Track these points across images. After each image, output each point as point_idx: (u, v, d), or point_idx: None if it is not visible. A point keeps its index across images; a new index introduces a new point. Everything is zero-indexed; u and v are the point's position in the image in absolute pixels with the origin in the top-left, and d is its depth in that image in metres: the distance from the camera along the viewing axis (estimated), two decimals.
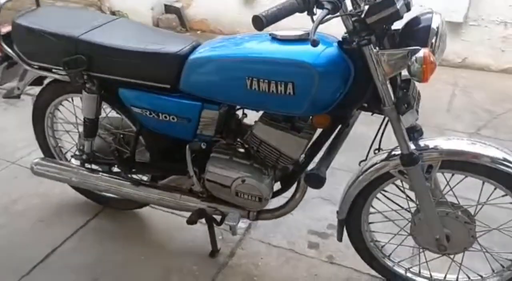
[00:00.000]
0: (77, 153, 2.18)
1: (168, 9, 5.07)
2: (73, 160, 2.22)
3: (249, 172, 1.79)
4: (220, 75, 1.64)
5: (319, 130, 1.74)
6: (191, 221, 1.92)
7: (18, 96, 2.20)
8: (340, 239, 1.87)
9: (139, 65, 1.77)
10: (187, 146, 1.86)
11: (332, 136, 1.73)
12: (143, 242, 2.23)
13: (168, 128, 1.82)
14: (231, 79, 1.62)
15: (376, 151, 1.73)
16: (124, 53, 1.78)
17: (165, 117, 1.78)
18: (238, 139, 1.85)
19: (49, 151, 2.36)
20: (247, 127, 1.82)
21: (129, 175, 2.09)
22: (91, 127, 2.04)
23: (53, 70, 1.96)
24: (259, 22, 1.28)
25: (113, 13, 5.04)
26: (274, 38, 1.58)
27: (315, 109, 1.59)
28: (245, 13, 4.65)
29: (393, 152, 1.65)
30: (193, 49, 1.75)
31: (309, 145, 1.75)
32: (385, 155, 1.68)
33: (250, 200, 1.82)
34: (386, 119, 1.62)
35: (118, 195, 2.16)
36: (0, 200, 2.49)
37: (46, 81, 2.15)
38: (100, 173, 2.13)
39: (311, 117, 1.69)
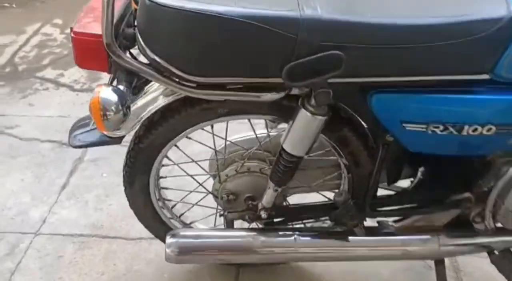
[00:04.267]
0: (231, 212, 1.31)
1: None
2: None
3: None
4: None
5: None
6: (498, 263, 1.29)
7: (119, 140, 1.21)
8: None
9: (441, 49, 1.01)
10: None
11: None
12: None
13: (466, 145, 1.13)
14: None
15: None
16: (413, 33, 1.00)
17: (474, 130, 1.09)
18: None
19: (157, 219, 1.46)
20: None
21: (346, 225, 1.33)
22: (292, 169, 1.21)
23: (244, 85, 1.07)
24: None
25: None
26: None
27: None
28: None
29: None
30: None
31: None
32: None
33: None
34: None
35: (338, 259, 1.39)
36: None
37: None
38: (296, 234, 1.31)
39: None
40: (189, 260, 1.32)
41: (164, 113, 1.24)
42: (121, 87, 1.02)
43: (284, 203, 1.42)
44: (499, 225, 1.28)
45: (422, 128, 1.08)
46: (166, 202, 1.50)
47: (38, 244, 1.76)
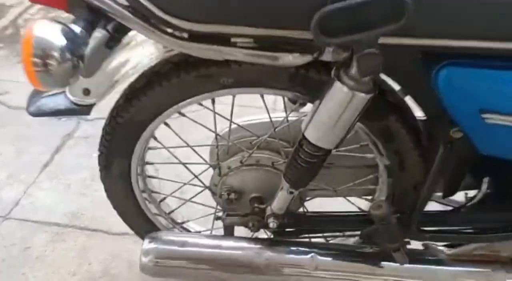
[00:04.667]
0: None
1: None
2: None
3: None
4: None
5: None
6: None
7: (88, 110, 0.91)
8: None
9: None
10: None
11: None
12: None
13: None
14: None
15: None
16: None
17: None
18: None
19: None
20: None
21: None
22: (315, 166, 0.89)
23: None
24: None
25: None
26: None
27: None
28: None
29: None
30: None
31: None
32: None
33: None
34: None
35: None
36: None
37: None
38: (313, 251, 0.99)
39: None
40: (171, 274, 1.01)
41: (150, 78, 0.93)
42: (75, 27, 0.71)
43: (301, 210, 1.10)
44: None
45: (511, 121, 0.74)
46: (152, 194, 1.20)
47: (5, 230, 1.48)
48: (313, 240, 1.08)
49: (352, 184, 1.09)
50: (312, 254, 0.99)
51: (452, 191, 1.00)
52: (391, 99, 0.91)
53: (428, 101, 0.82)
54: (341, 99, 0.76)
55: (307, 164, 0.87)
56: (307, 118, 0.84)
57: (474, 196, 1.02)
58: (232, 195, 1.07)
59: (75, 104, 0.91)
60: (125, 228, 1.35)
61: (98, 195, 1.56)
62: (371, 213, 0.90)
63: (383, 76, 0.85)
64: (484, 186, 1.01)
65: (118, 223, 1.37)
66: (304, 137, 0.85)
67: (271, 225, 0.98)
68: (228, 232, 1.10)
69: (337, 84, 0.75)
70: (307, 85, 0.88)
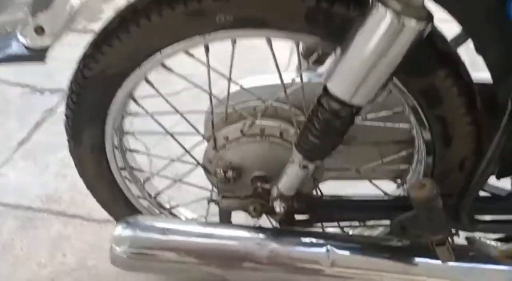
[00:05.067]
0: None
1: None
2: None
3: None
4: None
5: None
6: None
7: (42, 55, 0.71)
8: None
9: None
10: None
11: None
12: None
13: None
14: None
15: None
16: None
17: None
18: None
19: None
20: None
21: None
22: (338, 131, 0.67)
23: None
24: None
25: None
26: None
27: None
28: None
29: None
30: None
31: None
32: None
33: None
34: None
35: None
36: None
37: None
38: (329, 243, 0.78)
39: None
40: (149, 268, 0.81)
41: (124, 16, 0.72)
42: None
43: (314, 193, 0.89)
44: None
45: None
46: (134, 172, 0.99)
47: None
48: (328, 230, 0.87)
49: (380, 163, 0.88)
50: (328, 247, 0.77)
51: (508, 172, 0.79)
52: (441, 47, 0.70)
53: (495, 43, 0.61)
54: (383, 30, 0.55)
55: (328, 127, 0.66)
56: (331, 65, 0.63)
57: None
58: (230, 173, 0.86)
59: (27, 48, 0.71)
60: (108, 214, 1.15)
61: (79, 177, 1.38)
62: (409, 195, 0.68)
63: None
64: None
65: (100, 209, 1.16)
66: (325, 91, 0.64)
67: (277, 209, 0.77)
68: (224, 219, 0.90)
69: (379, 8, 0.54)
70: (330, 25, 0.67)
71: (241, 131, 0.85)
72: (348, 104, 0.63)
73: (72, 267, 1.16)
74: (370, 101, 0.64)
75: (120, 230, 0.79)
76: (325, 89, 0.64)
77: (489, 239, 0.81)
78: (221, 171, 0.86)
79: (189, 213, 1.09)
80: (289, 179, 0.76)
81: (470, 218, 0.72)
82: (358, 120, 0.81)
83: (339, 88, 0.62)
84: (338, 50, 0.65)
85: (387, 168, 0.90)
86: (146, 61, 0.76)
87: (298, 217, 0.87)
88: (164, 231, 0.80)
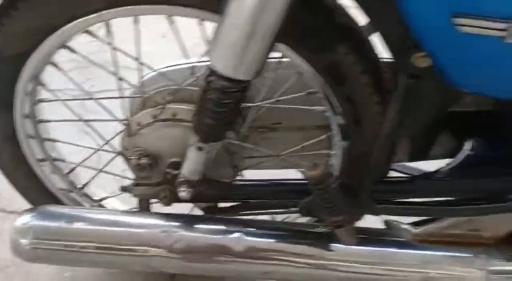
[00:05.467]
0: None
1: None
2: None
3: None
4: None
5: None
6: None
7: None
8: None
9: None
10: None
11: None
12: None
13: None
14: None
15: None
16: None
17: None
18: None
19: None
20: None
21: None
22: (228, 109, 0.65)
23: None
24: None
25: None
26: None
27: None
28: None
29: None
30: None
31: None
32: None
33: None
34: None
35: None
36: None
37: None
38: (241, 230, 0.75)
39: None
40: (55, 259, 0.78)
41: None
42: None
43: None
44: None
45: (498, 29, 0.51)
46: (56, 163, 0.96)
47: None
48: (242, 217, 0.84)
49: (300, 148, 0.86)
50: (238, 234, 0.75)
51: (422, 155, 0.77)
52: (341, 21, 0.68)
53: (391, 20, 0.58)
54: None
55: (216, 106, 0.64)
56: (212, 40, 0.60)
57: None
58: (145, 160, 0.84)
59: None
60: None
61: None
62: (308, 178, 0.66)
63: None
64: (466, 150, 0.78)
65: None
66: (211, 69, 0.62)
67: (182, 194, 0.75)
68: (143, 207, 0.87)
69: None
70: None
71: (154, 116, 0.83)
72: (233, 80, 0.61)
73: (6, 264, 1.12)
74: (256, 74, 0.61)
75: (22, 220, 0.77)
76: (210, 66, 0.62)
77: (404, 223, 0.79)
78: (135, 158, 0.84)
79: (120, 205, 1.06)
80: (190, 162, 0.74)
81: (374, 200, 0.69)
82: (270, 102, 0.80)
83: (220, 63, 0.60)
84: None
85: (310, 155, 0.88)
86: (44, 42, 0.73)
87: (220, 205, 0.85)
88: (69, 219, 0.77)
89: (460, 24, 0.51)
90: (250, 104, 0.81)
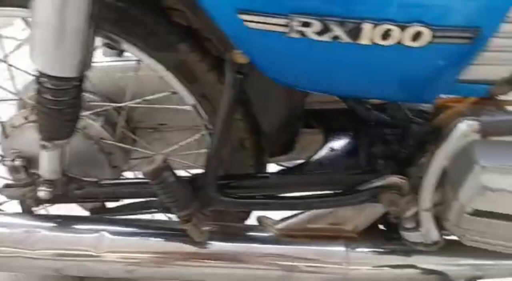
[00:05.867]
0: None
1: None
2: None
3: None
4: None
5: None
6: None
7: None
8: None
9: None
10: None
11: None
12: None
13: (375, 72, 0.56)
14: None
15: None
16: None
17: (386, 34, 0.51)
18: None
19: None
20: None
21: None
22: (70, 103, 0.64)
23: None
24: None
25: None
26: None
27: None
28: None
29: None
30: None
31: None
32: None
33: None
34: None
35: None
36: None
37: None
38: (105, 229, 0.76)
39: None
40: None
41: None
42: None
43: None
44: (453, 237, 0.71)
45: (278, 25, 0.52)
46: None
47: None
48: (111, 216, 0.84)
49: (178, 148, 0.87)
50: (101, 232, 0.76)
51: (283, 150, 0.78)
52: (177, 19, 0.69)
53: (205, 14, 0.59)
54: None
55: (54, 105, 0.65)
56: (30, 41, 0.61)
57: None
58: (19, 162, 0.84)
59: None
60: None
61: None
62: (144, 174, 0.66)
63: None
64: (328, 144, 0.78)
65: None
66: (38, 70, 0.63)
67: (41, 194, 0.75)
68: (24, 209, 0.87)
69: None
70: None
71: (25, 118, 0.83)
72: (60, 78, 0.61)
73: None
74: (82, 70, 0.62)
75: None
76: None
77: (273, 219, 0.80)
78: (9, 160, 0.85)
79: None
80: (43, 162, 0.74)
81: (218, 193, 0.70)
82: (136, 102, 0.81)
83: (39, 63, 0.61)
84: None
85: (187, 154, 0.89)
86: None
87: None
88: None
89: (247, 20, 0.53)
90: (117, 104, 0.82)
